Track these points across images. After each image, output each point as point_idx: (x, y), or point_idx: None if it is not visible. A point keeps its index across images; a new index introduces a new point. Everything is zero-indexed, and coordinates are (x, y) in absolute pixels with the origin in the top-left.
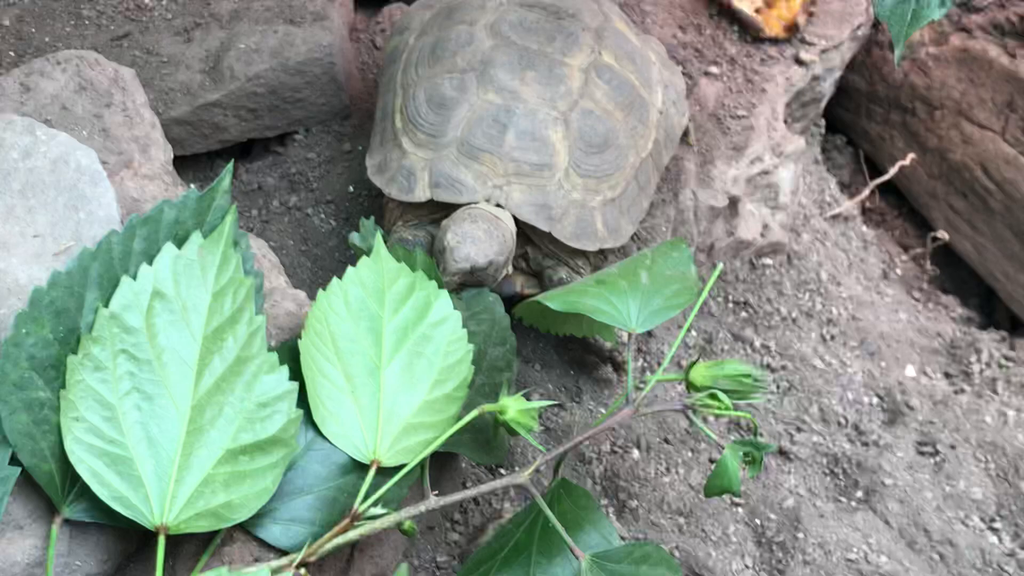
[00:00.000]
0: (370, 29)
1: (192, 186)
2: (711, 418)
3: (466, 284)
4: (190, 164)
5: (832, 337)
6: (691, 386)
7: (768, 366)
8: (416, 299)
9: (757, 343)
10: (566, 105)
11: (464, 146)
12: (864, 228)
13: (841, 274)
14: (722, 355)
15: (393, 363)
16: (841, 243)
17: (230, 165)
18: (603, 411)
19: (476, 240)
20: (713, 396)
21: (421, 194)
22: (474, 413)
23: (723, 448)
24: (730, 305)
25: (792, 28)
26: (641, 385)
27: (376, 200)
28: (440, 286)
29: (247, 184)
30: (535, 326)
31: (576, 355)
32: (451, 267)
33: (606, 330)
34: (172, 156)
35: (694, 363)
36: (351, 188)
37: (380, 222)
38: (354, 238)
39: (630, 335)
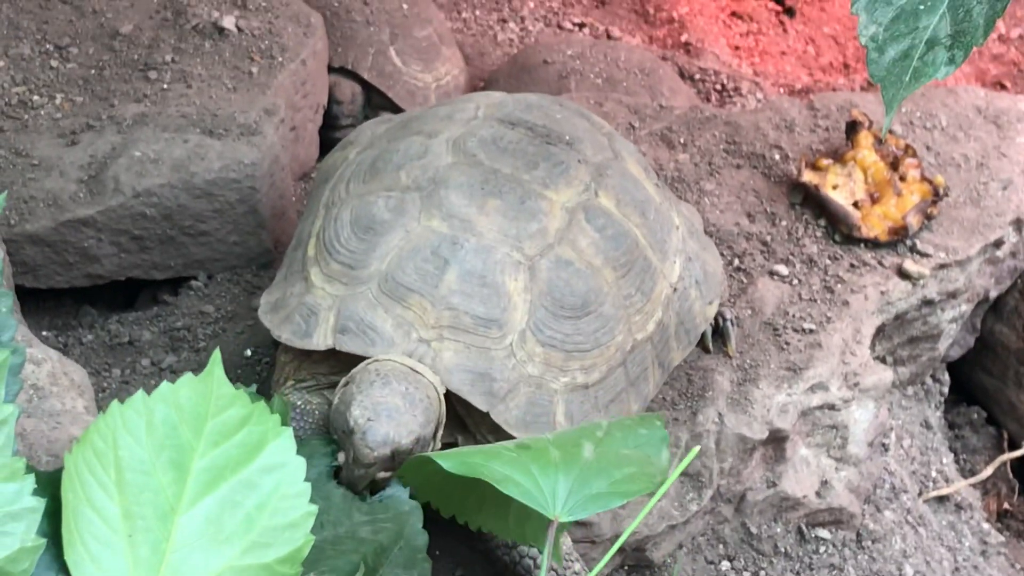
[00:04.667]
0: None
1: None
2: None
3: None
4: (45, 303)
5: None
6: None
7: None
8: (246, 435)
9: None
10: (536, 248)
11: (388, 283)
12: (986, 526)
13: None
14: None
15: (196, 509)
16: (946, 537)
17: None
18: None
19: (394, 412)
20: None
21: (320, 340)
22: None
23: None
24: None
25: (899, 232)
26: None
27: None
28: (349, 479)
29: (115, 336)
30: (435, 506)
31: None
32: (365, 456)
33: (544, 540)
34: None
35: None
36: (249, 352)
37: (268, 384)
38: None
39: (550, 523)
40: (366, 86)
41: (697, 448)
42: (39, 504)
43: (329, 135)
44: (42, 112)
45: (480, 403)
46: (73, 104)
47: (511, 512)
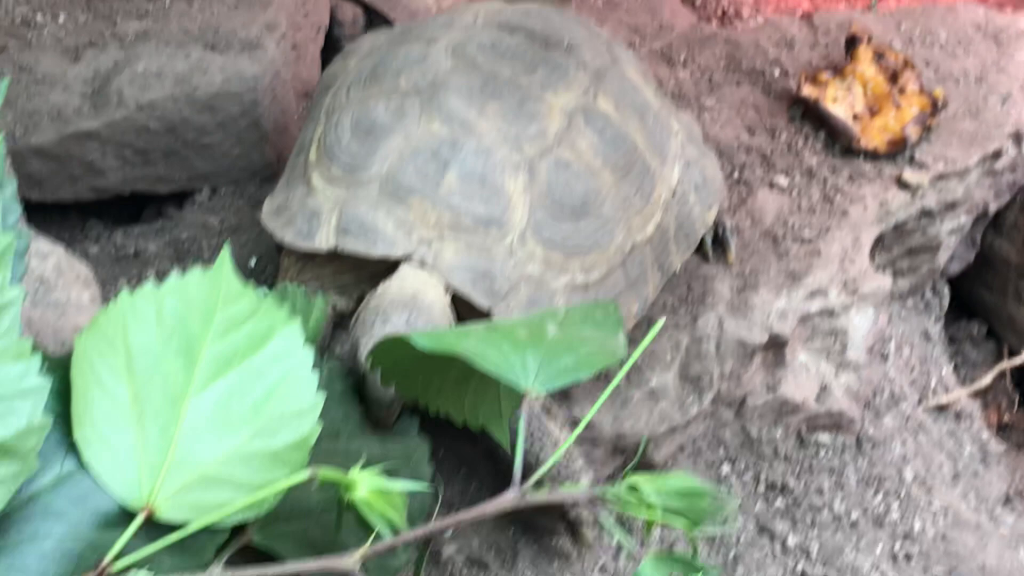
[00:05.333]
0: None
1: None
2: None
3: None
4: (51, 217)
5: (907, 557)
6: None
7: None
8: (255, 325)
9: (791, 542)
10: (535, 150)
11: (389, 184)
12: (985, 435)
13: (936, 481)
14: (737, 547)
15: (205, 394)
16: (946, 444)
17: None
18: None
19: None
20: (634, 489)
21: (323, 241)
22: (299, 475)
23: (640, 558)
24: (760, 487)
25: (898, 143)
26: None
27: None
28: (375, 420)
29: (120, 248)
30: (399, 389)
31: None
32: (380, 397)
33: (496, 424)
34: None
35: (632, 467)
36: (253, 262)
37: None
38: None
39: (524, 396)
40: (367, 8)
41: (662, 320)
42: (45, 383)
43: (331, 57)
44: (45, 31)
45: (482, 300)
46: (76, 23)
47: (467, 396)
